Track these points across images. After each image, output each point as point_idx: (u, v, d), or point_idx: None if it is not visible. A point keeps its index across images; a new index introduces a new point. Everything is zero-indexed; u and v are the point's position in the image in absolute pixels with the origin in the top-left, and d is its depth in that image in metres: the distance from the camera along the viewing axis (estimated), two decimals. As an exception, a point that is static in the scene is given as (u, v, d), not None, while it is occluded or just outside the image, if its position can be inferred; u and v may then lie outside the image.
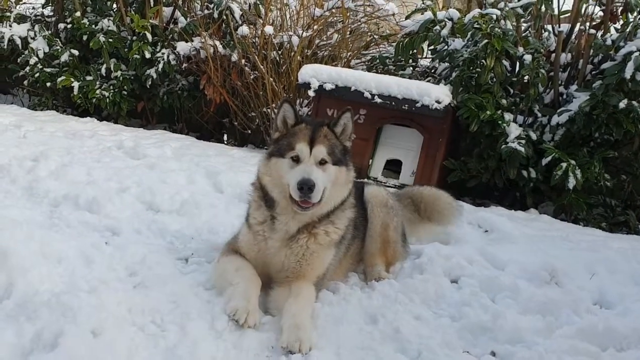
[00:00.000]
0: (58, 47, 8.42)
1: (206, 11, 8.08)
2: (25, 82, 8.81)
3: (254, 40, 7.52)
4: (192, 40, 7.90)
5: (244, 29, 7.40)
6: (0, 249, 2.76)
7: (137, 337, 2.39)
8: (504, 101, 5.75)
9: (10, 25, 8.75)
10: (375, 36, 7.97)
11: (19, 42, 8.59)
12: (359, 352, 2.49)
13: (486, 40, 5.47)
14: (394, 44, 7.00)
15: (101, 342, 2.24)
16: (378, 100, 5.86)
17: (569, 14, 6.26)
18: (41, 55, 8.44)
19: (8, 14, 8.93)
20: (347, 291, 3.06)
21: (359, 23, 7.92)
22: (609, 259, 3.83)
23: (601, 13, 6.05)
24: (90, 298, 2.55)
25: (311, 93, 6.24)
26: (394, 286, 3.14)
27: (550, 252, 3.93)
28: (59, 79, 8.16)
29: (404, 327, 2.70)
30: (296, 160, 2.83)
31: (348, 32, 7.82)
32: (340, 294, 3.03)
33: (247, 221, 3.12)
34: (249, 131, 7.94)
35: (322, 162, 2.83)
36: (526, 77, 5.75)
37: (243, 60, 7.46)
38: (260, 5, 7.86)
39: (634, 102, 5.05)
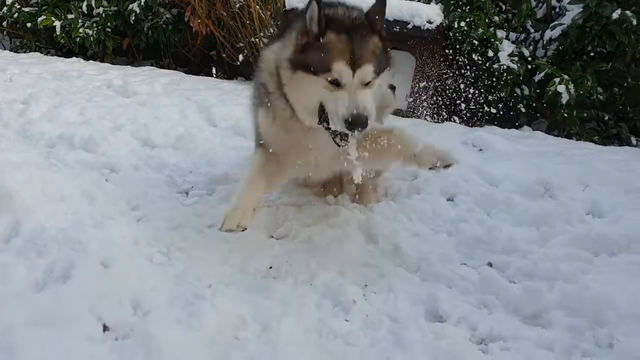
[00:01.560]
0: (35, -16, 8.14)
1: (185, -62, 7.74)
2: (4, 24, 8.55)
3: (237, -33, 7.26)
4: (173, -30, 7.63)
5: (227, -45, 7.12)
6: (4, 191, 2.79)
7: (146, 267, 2.48)
8: (496, 18, 5.66)
9: (-17, -36, 8.41)
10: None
11: (-7, -19, 8.30)
12: (362, 269, 2.58)
13: (476, -45, 5.32)
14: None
15: (112, 272, 2.32)
16: (368, 23, 5.73)
17: None
18: (18, -6, 8.17)
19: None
20: (348, 214, 3.12)
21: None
22: (601, 171, 3.89)
23: None
24: (97, 232, 2.62)
25: (300, 19, 6.09)
26: (392, 207, 3.22)
27: (544, 166, 3.99)
28: (40, 19, 7.92)
29: (404, 243, 2.80)
30: (334, 82, 2.30)
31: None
32: (341, 216, 3.09)
33: (268, 105, 2.62)
34: (238, 63, 7.80)
35: (367, 83, 2.33)
36: (518, -9, 5.63)
37: (227, -11, 7.23)
38: None
39: (627, 12, 4.97)
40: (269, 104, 2.63)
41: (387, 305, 2.28)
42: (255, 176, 2.53)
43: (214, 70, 8.73)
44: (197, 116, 5.09)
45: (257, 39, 7.22)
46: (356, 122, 2.23)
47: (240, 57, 7.32)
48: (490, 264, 2.71)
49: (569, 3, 5.53)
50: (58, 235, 2.50)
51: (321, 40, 2.32)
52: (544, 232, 2.96)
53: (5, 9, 8.18)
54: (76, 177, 3.44)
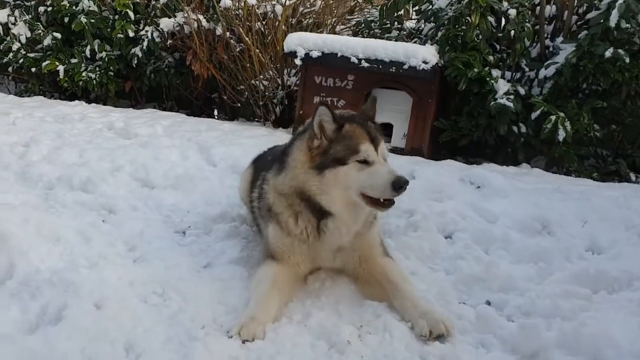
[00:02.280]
0: (40, 31, 8.33)
1: (188, -15, 7.96)
2: (10, 69, 8.72)
3: (237, 12, 7.43)
4: (175, 16, 7.81)
5: (227, 1, 7.29)
6: (-1, 233, 2.79)
7: (140, 308, 2.45)
8: (490, 58, 5.74)
9: (-10, 12, 8.63)
10: (359, 0, 7.89)
11: (-1, 28, 8.49)
12: (357, 308, 2.55)
13: (470, -3, 5.43)
14: (378, 7, 6.94)
15: (105, 314, 2.30)
16: (365, 64, 5.84)
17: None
18: (23, 40, 8.36)
19: (-14, 1, 8.80)
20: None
21: (342, -13, 7.84)
22: (601, 207, 3.88)
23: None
24: (91, 273, 2.61)
25: (298, 62, 6.21)
26: (389, 245, 3.20)
27: (542, 203, 3.98)
28: (44, 64, 8.08)
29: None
30: (365, 162, 2.58)
31: (331, -2, 7.75)
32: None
33: (279, 225, 2.81)
34: (239, 105, 7.92)
35: (385, 159, 2.68)
36: (512, 32, 5.72)
37: (228, 33, 7.40)
38: (241, -24, 7.76)
39: (620, 51, 5.04)
40: (277, 224, 2.81)
41: (383, 346, 2.24)
42: (269, 289, 2.55)
43: (215, 112, 8.86)
44: (198, 157, 5.13)
45: (257, 82, 7.34)
46: (402, 182, 2.51)
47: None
48: (488, 302, 2.68)
49: (562, 42, 5.62)
50: (52, 277, 2.50)
51: (341, 132, 2.63)
52: (541, 269, 2.94)
53: (11, 55, 8.35)
54: (73, 218, 3.45)
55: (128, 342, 2.13)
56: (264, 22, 7.39)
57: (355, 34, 7.08)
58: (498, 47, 6.00)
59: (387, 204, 2.59)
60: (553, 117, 5.24)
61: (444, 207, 3.76)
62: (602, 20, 5.11)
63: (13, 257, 2.69)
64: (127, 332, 2.20)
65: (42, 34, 8.27)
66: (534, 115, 5.42)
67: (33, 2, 8.75)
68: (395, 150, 5.96)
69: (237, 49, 7.37)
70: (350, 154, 2.58)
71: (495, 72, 5.65)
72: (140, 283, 2.68)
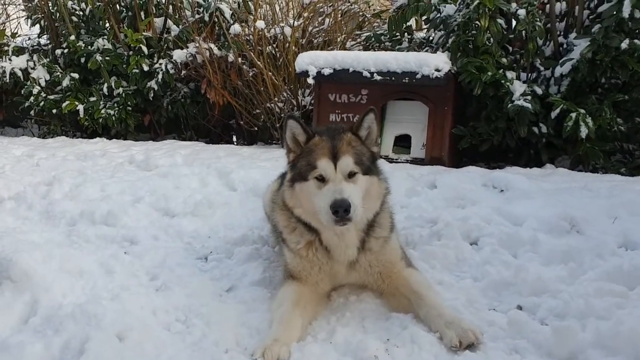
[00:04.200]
0: (58, 73, 8.54)
1: (197, 16, 8.10)
2: (32, 112, 8.94)
3: (247, 38, 7.52)
4: (187, 47, 7.93)
5: (236, 28, 7.40)
6: (21, 271, 2.81)
7: (163, 336, 2.43)
8: (504, 60, 5.67)
9: (10, 59, 8.90)
10: (367, 15, 7.91)
11: (20, 74, 8.74)
12: (383, 322, 2.49)
13: (477, 1, 5.39)
14: (387, 20, 6.95)
15: (128, 344, 2.27)
16: (378, 77, 5.82)
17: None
18: (43, 83, 8.58)
19: (6, 47, 9.07)
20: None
21: (349, 4, 7.87)
22: (631, 202, 3.76)
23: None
24: (113, 304, 2.59)
25: (310, 80, 6.23)
26: (412, 255, 3.13)
27: (569, 202, 3.86)
28: (64, 104, 8.27)
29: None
30: (321, 179, 2.49)
31: (339, 15, 7.78)
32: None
33: (287, 245, 2.79)
34: (256, 128, 7.96)
35: (350, 175, 2.49)
36: (523, 32, 5.65)
37: (240, 59, 7.47)
38: (249, 2, 7.87)
39: (636, 41, 4.93)
40: (284, 242, 2.80)
41: (412, 359, 2.16)
42: (291, 310, 2.48)
43: (234, 138, 8.92)
44: (217, 182, 5.13)
45: (272, 104, 7.38)
46: (338, 205, 2.35)
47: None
48: (520, 307, 2.58)
49: (576, 38, 5.53)
50: (75, 310, 2.48)
51: (308, 145, 2.60)
52: (572, 269, 2.83)
53: (32, 98, 8.56)
54: (95, 252, 3.46)
55: (152, 372, 2.10)
56: (274, 45, 7.45)
57: (365, 49, 7.08)
58: (510, 48, 5.93)
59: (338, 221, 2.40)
60: (573, 115, 5.14)
61: (468, 214, 3.68)
62: (615, 12, 5.02)
63: (37, 294, 2.70)
64: (151, 361, 2.17)
65: (60, 76, 8.48)
66: (553, 114, 5.32)
67: (50, 46, 9.00)
68: (415, 161, 5.90)
69: (250, 74, 7.43)
70: (309, 170, 2.52)
71: (510, 74, 5.57)
72: (162, 311, 2.66)
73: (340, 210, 2.36)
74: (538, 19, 5.51)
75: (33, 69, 8.77)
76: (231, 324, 2.51)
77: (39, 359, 2.20)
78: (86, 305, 2.54)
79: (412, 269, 2.75)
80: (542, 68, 5.74)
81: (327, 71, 6.08)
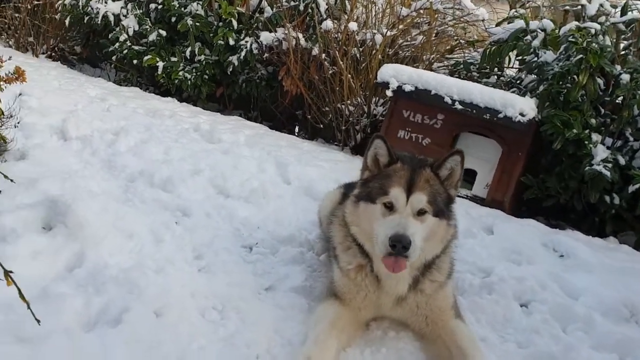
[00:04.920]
0: (147, 27, 8.69)
1: (292, 3, 8.08)
2: (114, 58, 9.15)
3: (336, 36, 7.46)
4: (276, 31, 7.94)
5: (328, 24, 7.35)
6: (77, 219, 2.85)
7: (198, 322, 2.42)
8: (592, 120, 5.42)
9: (106, 2, 9.10)
10: (461, 41, 7.73)
11: (112, 18, 8.93)
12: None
13: (581, 55, 5.16)
14: (480, 50, 6.77)
15: (163, 323, 2.27)
16: (458, 106, 5.67)
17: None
18: (131, 33, 8.75)
19: (104, -10, 9.30)
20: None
21: (446, 26, 7.70)
22: (697, 300, 3.52)
23: None
24: (157, 277, 2.60)
25: (389, 93, 6.12)
26: (460, 304, 3.01)
27: (631, 286, 3.65)
28: (145, 58, 8.42)
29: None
30: (390, 207, 2.41)
31: (433, 35, 7.64)
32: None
33: (337, 263, 2.71)
34: (321, 125, 7.91)
35: (420, 213, 2.41)
36: (620, 98, 5.39)
37: (323, 55, 7.43)
38: (346, 1, 7.80)
39: None
40: (335, 259, 2.73)
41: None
42: (328, 330, 2.41)
43: (296, 129, 8.91)
44: (274, 171, 5.11)
45: (343, 106, 7.32)
46: (397, 240, 2.26)
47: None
48: (562, 389, 2.45)
49: (676, 116, 5.24)
50: (119, 274, 2.50)
51: (387, 169, 2.54)
52: (627, 363, 2.66)
53: (117, 45, 8.75)
54: (148, 215, 3.49)
55: (181, 358, 2.07)
56: (360, 49, 7.37)
57: (451, 74, 6.91)
58: (602, 110, 5.67)
59: (391, 266, 2.32)
60: (653, 194, 4.87)
61: (523, 272, 3.53)
62: None
63: (86, 247, 2.73)
64: (182, 347, 2.15)
65: (148, 30, 8.63)
66: (631, 188, 5.05)
67: (145, -1, 9.18)
68: (475, 199, 5.73)
69: (330, 72, 7.37)
70: (380, 194, 2.45)
71: (595, 137, 5.32)
72: (201, 295, 2.65)
73: (399, 246, 2.28)
74: (640, 88, 5.24)
75: (125, 16, 8.95)
76: (265, 328, 2.48)
77: (76, 314, 2.22)
78: (131, 271, 2.56)
79: (460, 321, 2.64)
80: (631, 138, 5.45)
81: (408, 87, 5.96)
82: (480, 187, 5.82)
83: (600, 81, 5.38)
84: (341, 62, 7.18)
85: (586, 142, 5.23)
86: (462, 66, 6.85)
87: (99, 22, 8.95)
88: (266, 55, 7.97)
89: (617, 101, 5.51)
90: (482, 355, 2.45)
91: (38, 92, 6.24)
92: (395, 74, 6.12)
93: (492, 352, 2.62)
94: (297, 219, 4.07)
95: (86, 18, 9.23)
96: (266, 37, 7.95)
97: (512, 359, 2.61)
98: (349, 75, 7.18)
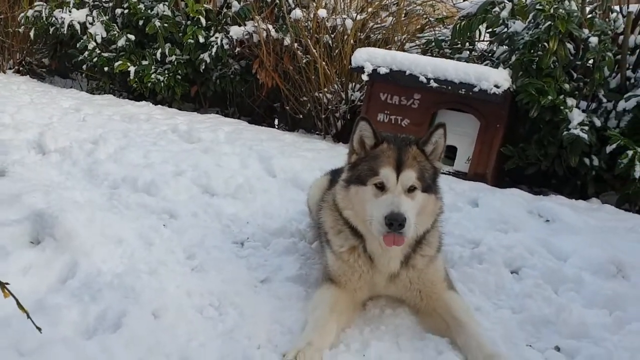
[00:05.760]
0: (115, 32, 8.61)
1: (259, -6, 8.06)
2: (84, 67, 9.05)
3: (306, 24, 7.45)
4: (245, 25, 7.91)
5: (297, 12, 7.34)
6: (65, 230, 2.84)
7: (196, 320, 2.43)
8: (566, 86, 5.50)
9: (70, 11, 8.99)
10: (430, 19, 7.76)
11: (78, 27, 8.83)
12: (418, 342, 2.44)
13: (549, 22, 5.21)
14: (450, 26, 6.80)
15: (162, 324, 2.28)
16: (434, 84, 5.71)
17: (638, -6, 5.93)
18: (99, 40, 8.66)
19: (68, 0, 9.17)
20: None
21: (414, 5, 7.73)
22: (679, 253, 3.61)
23: (674, -9, 5.69)
24: (151, 280, 2.60)
25: (365, 77, 6.14)
26: (451, 275, 3.06)
27: (616, 244, 3.74)
28: (116, 64, 8.35)
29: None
30: (381, 187, 2.45)
31: (403, 15, 7.65)
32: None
33: (330, 247, 2.74)
34: (300, 116, 7.91)
35: (410, 190, 2.45)
36: (591, 61, 5.47)
37: (295, 44, 7.42)
38: (313, -12, 7.79)
39: None
40: (328, 243, 2.76)
41: (446, 387, 2.12)
42: (327, 314, 2.45)
43: (276, 122, 8.91)
44: (258, 166, 5.12)
45: (320, 94, 7.33)
46: (394, 218, 2.31)
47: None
48: (558, 348, 2.51)
49: (646, 74, 5.34)
50: (113, 280, 2.50)
51: (374, 150, 2.55)
52: (618, 317, 2.72)
53: (86, 53, 8.65)
54: (135, 220, 3.49)
55: (183, 357, 2.10)
56: (332, 35, 7.37)
57: (424, 53, 6.95)
58: (575, 75, 5.74)
59: (389, 242, 2.37)
60: (630, 152, 4.96)
61: (511, 240, 3.59)
62: (692, 54, 4.81)
63: (77, 257, 2.73)
64: (182, 346, 2.16)
65: (117, 35, 8.54)
66: (609, 148, 5.14)
67: (111, 4, 9.07)
68: (457, 175, 5.79)
69: (304, 61, 7.37)
70: (370, 175, 2.48)
71: (570, 101, 5.40)
72: (197, 294, 2.66)
73: (395, 224, 2.32)
74: (609, 49, 5.31)
75: (91, 24, 8.84)
76: (264, 319, 2.50)
77: (74, 324, 2.22)
78: (125, 276, 2.56)
79: (453, 292, 2.69)
80: (604, 100, 5.53)
81: (383, 70, 5.98)
82: (461, 162, 5.88)
83: (570, 46, 5.45)
84: (314, 50, 7.17)
85: (562, 108, 5.30)
86: (433, 44, 6.88)
87: (65, 32, 8.85)
88: (238, 49, 7.95)
89: (588, 64, 5.59)
90: (477, 323, 2.50)
91: (10, 108, 6.17)
92: (369, 58, 6.14)
93: (486, 320, 2.68)
94: (286, 211, 4.09)
95: (51, 29, 9.12)
96: (236, 31, 7.92)
97: (507, 325, 2.66)
98: (323, 63, 7.18)
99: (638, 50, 5.66)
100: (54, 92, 8.63)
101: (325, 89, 7.30)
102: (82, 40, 8.69)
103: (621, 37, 5.59)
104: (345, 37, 7.16)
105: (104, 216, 3.30)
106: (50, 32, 9.21)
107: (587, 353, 2.43)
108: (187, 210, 3.82)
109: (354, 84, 7.37)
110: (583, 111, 5.47)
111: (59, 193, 3.63)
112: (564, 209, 4.39)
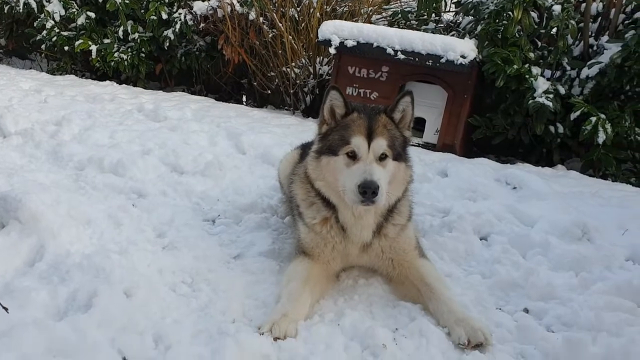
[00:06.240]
0: (74, 10, 8.35)
1: (222, -32, 7.89)
2: (43, 47, 8.77)
3: (271, -2, 7.35)
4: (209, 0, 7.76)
5: (262, -14, 7.23)
6: (30, 213, 2.77)
7: (169, 297, 2.41)
8: (531, 54, 5.57)
9: (25, -12, 8.67)
10: (396, -10, 7.74)
11: (34, 5, 8.53)
12: (391, 310, 2.48)
13: (513, -9, 5.26)
14: (417, -3, 6.79)
15: (134, 302, 2.25)
16: (401, 56, 5.71)
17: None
18: (57, 18, 8.40)
19: (22, -24, 8.83)
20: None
21: (380, -24, 7.69)
22: (641, 215, 3.73)
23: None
24: (121, 259, 2.57)
25: (332, 50, 6.11)
26: (422, 244, 3.10)
27: (581, 208, 3.84)
28: (77, 43, 8.12)
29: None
30: (352, 157, 2.45)
31: (369, -14, 7.61)
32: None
33: (302, 220, 2.73)
34: (269, 91, 7.85)
35: (382, 158, 2.47)
36: (555, 29, 5.54)
37: (261, 19, 7.32)
38: (277, -39, 7.66)
39: (669, 52, 4.83)
40: (300, 216, 2.76)
41: (420, 352, 2.14)
42: (300, 286, 2.44)
43: (244, 98, 8.81)
44: (227, 143, 5.07)
45: (288, 69, 7.26)
46: (366, 186, 2.33)
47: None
48: (526, 310, 2.57)
49: (607, 42, 5.42)
50: (82, 261, 2.46)
51: (344, 120, 2.55)
52: (583, 278, 2.80)
53: (44, 32, 8.38)
54: (103, 201, 3.43)
55: (157, 334, 2.08)
56: (298, 9, 7.29)
57: (391, 24, 6.93)
58: (539, 43, 5.81)
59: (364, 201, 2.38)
60: (593, 119, 5.07)
61: (479, 208, 3.65)
62: (652, 20, 4.91)
63: (44, 239, 2.67)
64: (156, 323, 2.15)
65: (76, 13, 8.29)
66: (573, 115, 5.25)
67: (68, -20, 8.78)
68: (427, 146, 5.84)
69: (270, 35, 7.28)
70: (342, 145, 2.49)
71: (535, 70, 5.47)
72: (169, 271, 2.64)
73: (369, 192, 2.33)
74: (572, 17, 5.38)
75: (48, 1, 8.56)
76: (238, 294, 2.49)
77: (44, 306, 2.18)
78: (94, 256, 2.52)
79: (424, 260, 2.73)
80: (568, 67, 5.63)
81: (350, 43, 5.96)
82: (430, 134, 5.94)
83: (534, 15, 5.50)
84: (280, 24, 7.09)
85: (527, 76, 5.38)
86: (400, 16, 6.87)
87: (21, 10, 8.54)
88: (202, 25, 7.81)
89: (551, 33, 5.66)
90: (448, 289, 2.54)
91: (-34, 92, 5.96)
92: (336, 31, 6.10)
93: (457, 285, 2.73)
94: (257, 187, 4.07)
95: (6, 8, 8.81)
96: (200, 6, 7.77)
97: (477, 290, 2.71)
98: (290, 37, 7.11)
99: (600, 18, 5.74)
100: (12, 73, 8.35)
101: (293, 64, 7.24)
102: (39, 19, 8.41)
103: (583, 4, 5.66)
104: (312, 10, 7.09)
105: (70, 197, 3.23)
106: (5, 11, 8.88)
107: (555, 313, 2.50)
108: (156, 189, 3.77)
109: (321, 57, 7.32)
110: (548, 79, 5.56)
111: (22, 176, 3.54)
112: (530, 176, 4.48)
